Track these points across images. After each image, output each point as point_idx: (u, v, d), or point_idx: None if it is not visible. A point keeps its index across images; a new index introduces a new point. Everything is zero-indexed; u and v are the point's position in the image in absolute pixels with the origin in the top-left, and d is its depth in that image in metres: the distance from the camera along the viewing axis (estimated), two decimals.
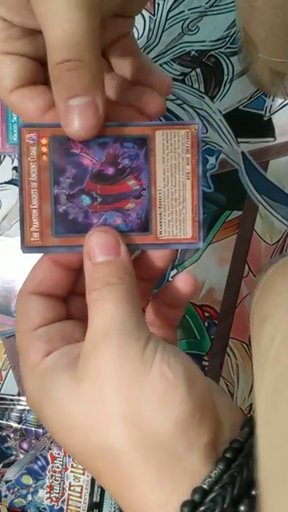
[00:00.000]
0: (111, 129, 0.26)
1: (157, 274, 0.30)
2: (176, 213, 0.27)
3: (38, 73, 0.27)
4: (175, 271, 0.43)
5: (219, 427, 0.23)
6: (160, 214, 0.27)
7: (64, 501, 0.42)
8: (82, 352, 0.24)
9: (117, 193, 0.27)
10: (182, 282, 0.29)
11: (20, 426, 0.44)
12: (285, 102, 0.44)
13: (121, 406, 0.22)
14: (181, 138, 0.27)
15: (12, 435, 0.44)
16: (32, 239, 0.26)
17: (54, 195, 0.26)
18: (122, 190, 0.27)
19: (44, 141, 0.26)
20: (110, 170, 0.26)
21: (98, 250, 0.26)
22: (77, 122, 0.25)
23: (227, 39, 0.45)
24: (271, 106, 0.44)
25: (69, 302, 0.29)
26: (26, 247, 0.26)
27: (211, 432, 0.23)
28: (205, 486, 0.21)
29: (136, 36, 0.46)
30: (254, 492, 0.22)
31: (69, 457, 0.43)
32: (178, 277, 0.29)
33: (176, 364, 0.23)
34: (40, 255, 0.28)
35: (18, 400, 0.45)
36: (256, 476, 0.22)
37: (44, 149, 0.26)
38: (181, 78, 0.45)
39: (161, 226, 0.27)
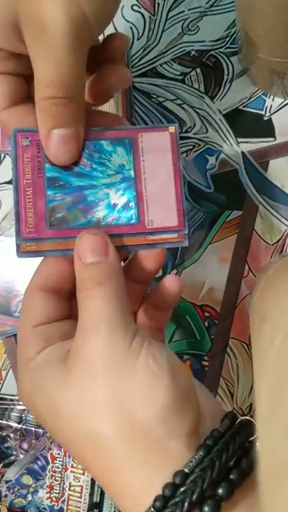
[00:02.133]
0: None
1: (149, 275, 0.31)
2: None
3: (25, 89, 0.29)
4: (175, 271, 0.43)
5: (200, 418, 0.25)
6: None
7: (64, 501, 0.43)
8: (72, 346, 0.25)
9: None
10: (169, 283, 0.30)
11: (20, 425, 0.44)
12: (285, 102, 0.44)
13: (108, 394, 0.23)
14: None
15: (12, 435, 0.44)
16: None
17: None
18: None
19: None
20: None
21: (88, 251, 0.27)
22: (59, 149, 0.27)
23: (227, 39, 0.45)
24: (271, 105, 0.44)
25: (72, 301, 0.29)
26: None
27: (192, 422, 0.24)
28: (186, 470, 0.22)
29: (136, 36, 0.46)
30: (232, 476, 0.23)
31: (69, 457, 0.43)
32: (165, 278, 0.30)
33: (161, 357, 0.24)
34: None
35: (18, 400, 0.45)
36: (233, 462, 0.23)
37: None
38: (181, 77, 0.45)
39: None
